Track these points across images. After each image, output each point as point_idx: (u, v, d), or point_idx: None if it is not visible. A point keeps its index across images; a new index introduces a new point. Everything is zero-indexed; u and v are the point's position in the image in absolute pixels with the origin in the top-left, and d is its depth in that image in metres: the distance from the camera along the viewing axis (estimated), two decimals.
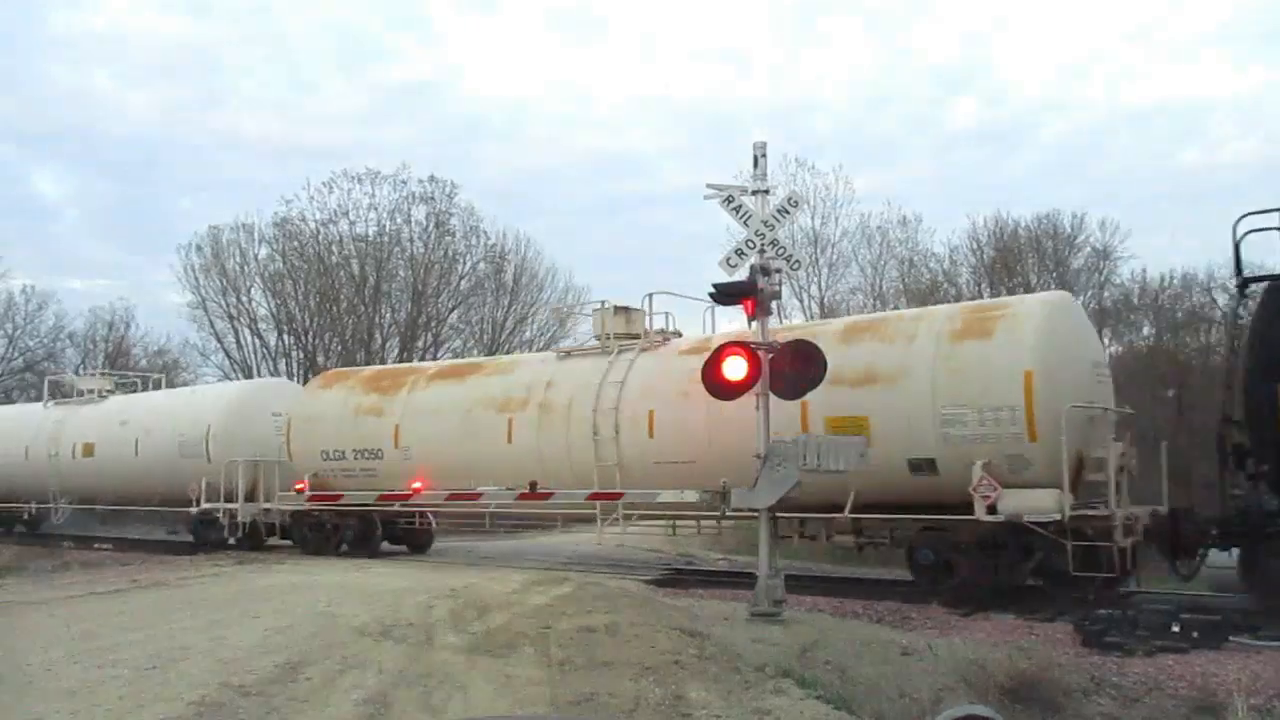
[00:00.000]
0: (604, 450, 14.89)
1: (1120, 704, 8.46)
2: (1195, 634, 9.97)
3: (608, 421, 14.87)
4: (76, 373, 44.17)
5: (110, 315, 45.80)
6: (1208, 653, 9.60)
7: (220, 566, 15.98)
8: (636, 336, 15.95)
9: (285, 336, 41.38)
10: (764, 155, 10.56)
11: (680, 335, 16.16)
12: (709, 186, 10.55)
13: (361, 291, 40.18)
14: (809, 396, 11.19)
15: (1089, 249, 34.23)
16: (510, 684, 7.26)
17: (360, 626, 9.12)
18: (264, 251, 41.45)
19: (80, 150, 69.75)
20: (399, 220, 40.34)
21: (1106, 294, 34.06)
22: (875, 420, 12.52)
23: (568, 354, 17.39)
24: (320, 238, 40.50)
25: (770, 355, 10.15)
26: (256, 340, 41.63)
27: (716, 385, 10.32)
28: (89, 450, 23.80)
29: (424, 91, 67.16)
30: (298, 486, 19.21)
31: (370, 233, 40.37)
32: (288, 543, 19.79)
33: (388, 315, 41.18)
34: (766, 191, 10.49)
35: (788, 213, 10.87)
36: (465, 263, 41.42)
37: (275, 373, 39.05)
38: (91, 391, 25.89)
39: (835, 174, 35.29)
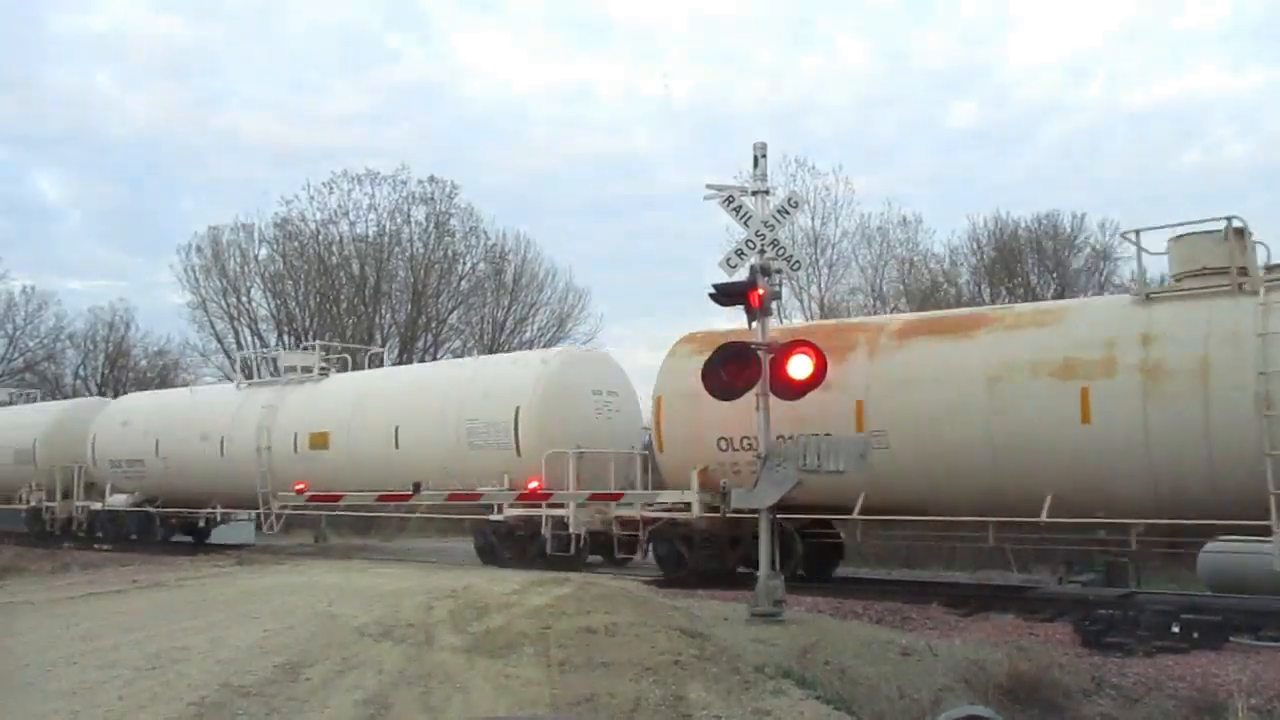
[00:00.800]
0: None
1: (1120, 705, 8.46)
2: (1195, 634, 9.98)
3: None
4: (77, 374, 44.34)
5: (110, 316, 45.89)
6: (1208, 653, 9.60)
7: (220, 567, 15.98)
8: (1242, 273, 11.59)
9: (285, 337, 41.35)
10: (764, 156, 10.56)
11: None
12: (709, 187, 10.55)
13: (361, 292, 40.21)
14: None
15: (1089, 250, 34.23)
16: (510, 684, 7.25)
17: (360, 627, 9.11)
18: (264, 252, 41.58)
19: (81, 151, 69.93)
20: (399, 221, 40.48)
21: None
22: None
23: (1148, 297, 12.23)
24: (320, 238, 40.61)
25: (771, 355, 10.14)
26: (257, 341, 41.69)
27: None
28: (321, 441, 19.21)
29: (424, 92, 67.24)
30: (298, 487, 18.77)
31: (370, 233, 40.50)
32: (597, 558, 16.01)
33: (388, 316, 41.25)
34: (766, 192, 10.48)
35: (788, 213, 10.87)
36: (465, 263, 41.54)
37: (276, 373, 38.95)
38: (306, 369, 21.37)
39: (835, 174, 35.18)
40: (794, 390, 10.08)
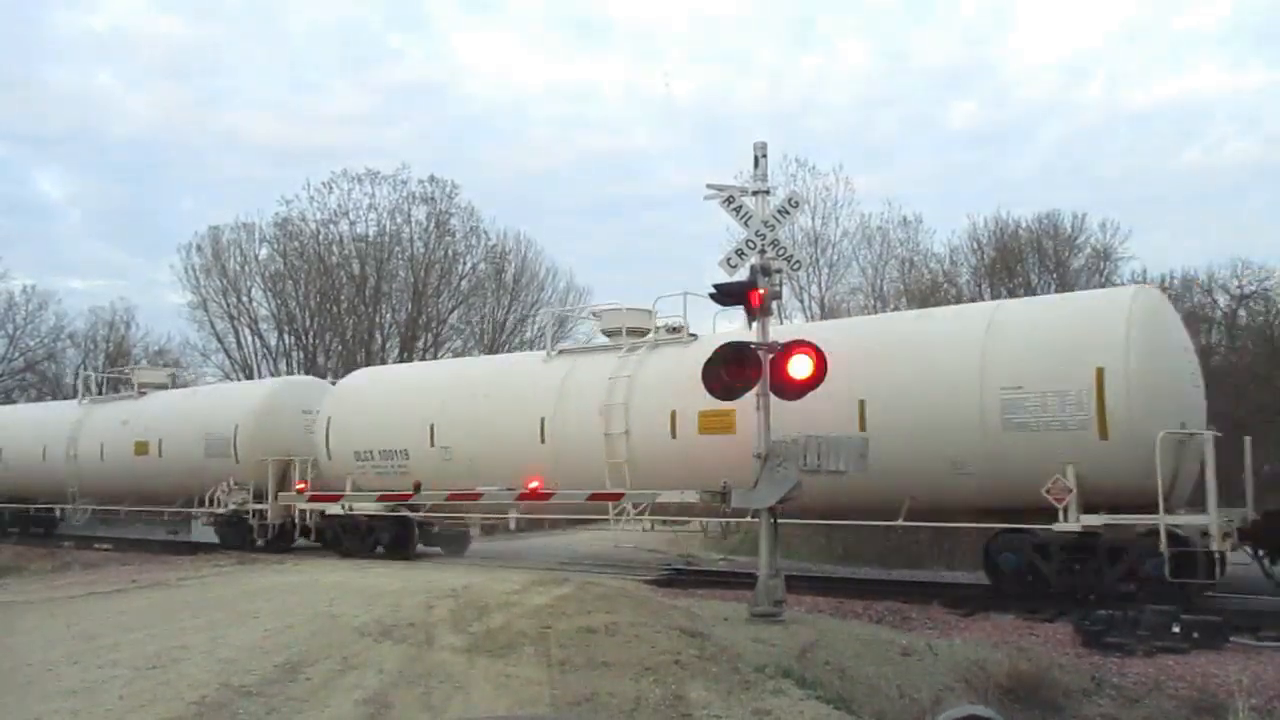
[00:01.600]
0: None
1: (1121, 705, 8.46)
2: (1196, 634, 9.97)
3: None
4: (78, 374, 44.16)
5: (111, 315, 45.98)
6: (1208, 653, 9.61)
7: (220, 566, 15.96)
8: None
9: (285, 336, 41.47)
10: (764, 155, 10.55)
11: None
12: (709, 187, 10.54)
13: (362, 292, 40.21)
14: None
15: (1089, 249, 34.21)
16: (510, 684, 7.25)
17: (360, 627, 9.11)
18: (264, 251, 41.63)
19: (81, 151, 70.06)
20: (399, 220, 40.48)
21: None
22: None
23: None
24: (320, 238, 40.62)
25: (771, 356, 10.14)
26: (257, 340, 41.75)
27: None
28: (718, 423, 13.84)
29: (424, 91, 67.28)
30: (298, 486, 18.69)
31: (370, 233, 40.51)
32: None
33: (388, 315, 41.25)
34: (767, 192, 10.48)
35: (788, 213, 10.86)
36: (465, 263, 41.57)
37: (276, 372, 38.97)
38: (647, 331, 16.35)
39: (835, 174, 35.21)
40: (794, 390, 10.09)
